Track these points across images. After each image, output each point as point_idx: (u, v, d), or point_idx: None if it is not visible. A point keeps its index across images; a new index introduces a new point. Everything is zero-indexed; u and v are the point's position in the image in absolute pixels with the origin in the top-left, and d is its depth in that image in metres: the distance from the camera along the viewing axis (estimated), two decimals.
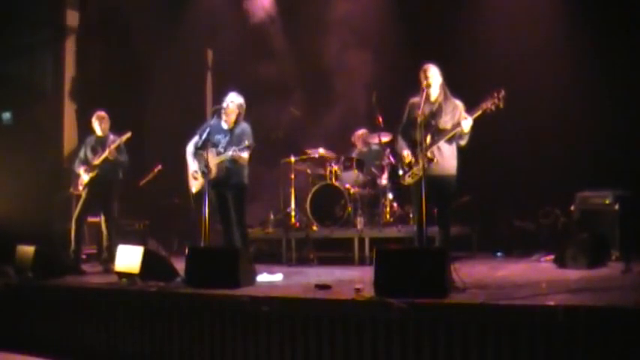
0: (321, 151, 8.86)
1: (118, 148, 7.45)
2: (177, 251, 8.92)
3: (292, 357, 4.83)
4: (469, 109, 5.58)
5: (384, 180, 8.60)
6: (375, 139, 8.95)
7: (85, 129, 8.23)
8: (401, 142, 5.83)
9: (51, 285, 6.41)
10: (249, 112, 6.77)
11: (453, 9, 9.05)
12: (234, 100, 6.61)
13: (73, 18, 10.12)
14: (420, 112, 5.39)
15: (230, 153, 6.36)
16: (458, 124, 5.53)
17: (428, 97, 5.61)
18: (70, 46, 10.10)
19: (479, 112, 5.47)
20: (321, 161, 8.98)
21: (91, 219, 7.86)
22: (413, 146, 5.66)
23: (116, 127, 7.68)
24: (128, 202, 8.45)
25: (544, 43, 8.48)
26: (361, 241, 7.90)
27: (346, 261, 7.98)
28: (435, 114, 5.64)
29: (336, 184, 8.55)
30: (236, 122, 6.64)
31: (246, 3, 10.02)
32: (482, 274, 6.18)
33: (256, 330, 4.97)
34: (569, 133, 8.19)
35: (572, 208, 7.43)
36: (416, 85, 5.63)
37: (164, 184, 9.11)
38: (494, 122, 5.58)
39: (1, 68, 10.24)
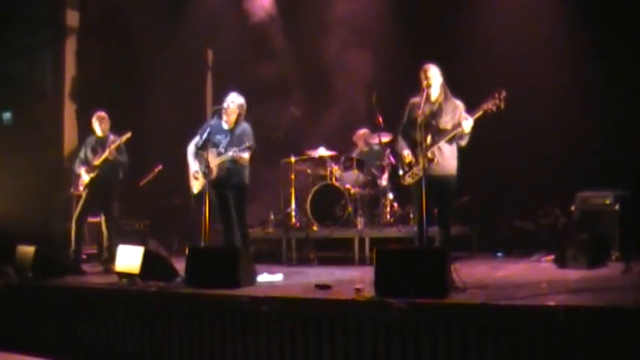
0: (322, 151, 8.86)
1: (118, 149, 7.44)
2: (177, 251, 8.91)
3: (292, 357, 4.83)
4: (469, 109, 5.58)
5: (384, 180, 8.60)
6: (375, 140, 8.95)
7: (85, 129, 8.23)
8: (401, 142, 5.83)
9: (51, 285, 6.41)
10: (249, 112, 6.77)
11: (453, 9, 9.05)
12: (234, 101, 6.61)
13: (73, 18, 10.13)
14: (420, 112, 5.39)
15: (230, 153, 6.36)
16: (458, 125, 5.52)
17: (428, 97, 5.60)
18: (70, 46, 10.10)
19: (480, 113, 5.46)
20: (322, 161, 8.98)
21: (91, 219, 7.86)
22: (413, 146, 5.65)
23: (116, 127, 7.68)
24: (128, 202, 8.45)
25: (544, 43, 8.47)
26: (361, 241, 7.90)
27: (346, 261, 7.99)
28: (436, 114, 5.63)
29: (337, 184, 8.54)
30: (236, 122, 6.64)
31: (246, 3, 10.01)
32: (482, 274, 6.18)
33: (256, 330, 4.97)
34: (569, 133, 8.19)
35: (573, 208, 7.43)
36: (416, 85, 5.63)
37: (164, 184, 9.11)
38: (494, 122, 5.57)
39: (1, 68, 10.25)
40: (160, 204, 9.85)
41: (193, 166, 6.73)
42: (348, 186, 8.50)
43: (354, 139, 9.33)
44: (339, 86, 9.28)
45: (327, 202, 8.47)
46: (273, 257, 8.52)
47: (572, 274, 5.90)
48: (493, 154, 8.28)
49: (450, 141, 5.61)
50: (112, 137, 7.57)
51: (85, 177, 7.46)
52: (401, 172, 5.81)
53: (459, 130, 5.52)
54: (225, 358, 5.11)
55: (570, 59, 8.23)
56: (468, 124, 5.48)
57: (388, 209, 8.53)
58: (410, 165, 5.68)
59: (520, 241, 8.16)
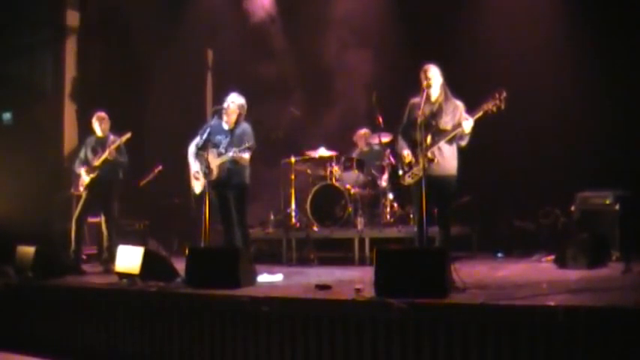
0: (322, 151, 8.86)
1: (117, 149, 7.44)
2: (177, 251, 8.91)
3: (292, 357, 4.83)
4: (469, 110, 5.57)
5: (384, 181, 8.60)
6: (375, 140, 8.95)
7: (85, 129, 8.23)
8: (401, 142, 5.83)
9: (51, 285, 6.41)
10: (249, 112, 6.77)
11: (453, 9, 9.04)
12: (234, 101, 6.61)
13: (73, 18, 10.12)
14: (420, 112, 5.39)
15: (231, 154, 6.36)
16: (458, 125, 5.52)
17: (428, 97, 5.60)
18: (70, 47, 10.10)
19: (480, 113, 5.46)
20: (322, 161, 8.98)
21: (91, 219, 7.86)
22: (413, 146, 5.65)
23: (116, 128, 7.68)
24: (128, 203, 8.45)
25: (544, 43, 8.47)
26: (361, 241, 7.90)
27: (346, 261, 7.99)
28: (436, 114, 5.63)
29: (337, 184, 8.54)
30: (237, 123, 6.64)
31: (246, 3, 10.01)
32: (482, 275, 6.17)
33: (256, 330, 4.97)
34: (569, 133, 8.19)
35: (573, 208, 7.42)
36: (416, 85, 5.63)
37: (164, 184, 9.11)
38: (494, 122, 5.56)
39: (1, 68, 10.24)
40: (160, 204, 9.85)
41: (194, 166, 6.73)
42: (348, 186, 8.50)
43: (354, 139, 9.32)
44: (339, 86, 9.28)
45: (327, 202, 8.47)
46: (273, 257, 8.52)
47: (572, 274, 5.89)
48: (493, 154, 8.28)
49: (450, 141, 5.61)
50: (112, 137, 7.57)
51: (85, 177, 7.46)
52: (401, 173, 5.81)
53: (459, 130, 5.52)
54: (225, 359, 5.11)
55: (570, 59, 8.22)
56: (468, 124, 5.48)
57: (388, 209, 8.53)
58: (410, 165, 5.68)
59: (520, 241, 8.15)
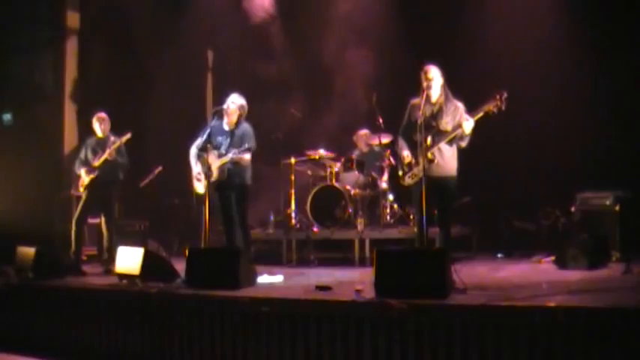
0: (322, 152, 8.85)
1: (118, 149, 7.44)
2: (177, 252, 8.91)
3: (292, 358, 4.83)
4: (470, 110, 5.57)
5: (384, 181, 8.59)
6: (375, 140, 8.94)
7: (85, 130, 8.23)
8: (401, 143, 5.83)
9: (51, 286, 6.40)
10: (249, 113, 6.77)
11: (454, 9, 9.04)
12: (235, 101, 6.61)
13: (73, 18, 10.11)
14: (420, 113, 5.39)
15: (231, 155, 6.36)
16: (459, 126, 5.52)
17: (429, 98, 5.60)
18: (70, 47, 10.09)
19: (480, 114, 5.46)
20: (322, 162, 8.97)
21: (91, 220, 7.85)
22: (413, 147, 5.65)
23: (116, 128, 7.67)
24: (128, 203, 8.46)
25: (544, 43, 8.46)
26: (361, 242, 7.90)
27: (346, 262, 7.99)
28: (436, 115, 5.63)
29: (337, 185, 8.54)
30: (237, 123, 6.64)
31: (246, 3, 10.00)
32: (482, 275, 6.18)
33: (256, 331, 4.97)
34: (570, 134, 8.19)
35: (573, 208, 7.42)
36: (416, 86, 5.63)
37: (164, 185, 9.10)
38: (494, 122, 5.57)
39: (1, 68, 10.24)
40: (160, 204, 9.85)
41: (196, 167, 6.73)
42: (348, 187, 8.50)
43: (355, 139, 9.32)
44: (339, 86, 9.28)
45: (327, 203, 8.46)
46: (273, 258, 8.51)
47: (573, 275, 5.90)
48: (493, 155, 8.28)
49: (450, 142, 5.61)
50: (112, 138, 7.56)
51: (85, 178, 7.45)
52: (401, 173, 5.81)
53: (460, 131, 5.52)
54: (225, 359, 5.11)
55: (570, 59, 8.22)
56: (468, 125, 5.48)
57: (388, 210, 8.53)
58: (410, 166, 5.68)
59: (520, 241, 8.16)
